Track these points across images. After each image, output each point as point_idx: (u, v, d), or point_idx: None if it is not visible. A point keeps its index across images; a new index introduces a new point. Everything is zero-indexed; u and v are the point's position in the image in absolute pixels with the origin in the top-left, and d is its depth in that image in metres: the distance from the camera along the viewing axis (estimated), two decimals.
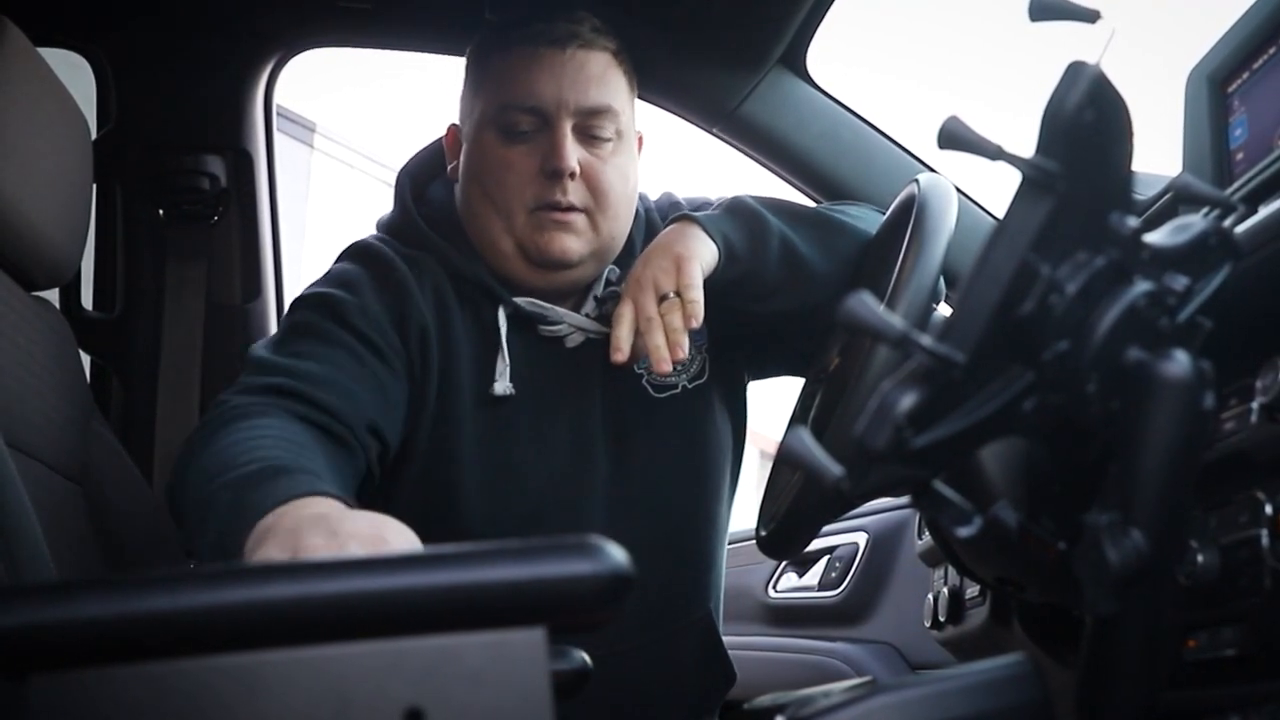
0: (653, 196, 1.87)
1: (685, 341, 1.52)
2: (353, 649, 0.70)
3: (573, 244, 1.62)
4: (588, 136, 1.64)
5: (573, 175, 1.61)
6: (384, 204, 1.79)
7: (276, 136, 2.25)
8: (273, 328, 2.23)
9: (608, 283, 1.71)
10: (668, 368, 1.52)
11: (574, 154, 1.61)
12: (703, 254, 1.57)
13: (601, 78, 1.65)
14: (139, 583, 0.70)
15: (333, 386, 1.49)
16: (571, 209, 1.62)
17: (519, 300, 1.65)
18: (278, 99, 2.24)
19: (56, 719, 0.68)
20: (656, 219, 1.79)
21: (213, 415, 1.43)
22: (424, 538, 1.55)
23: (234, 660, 0.69)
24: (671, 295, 1.53)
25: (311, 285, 1.66)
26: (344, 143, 11.83)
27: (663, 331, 1.52)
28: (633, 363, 1.58)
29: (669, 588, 1.73)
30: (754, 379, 1.91)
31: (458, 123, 1.75)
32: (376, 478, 1.57)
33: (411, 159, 1.82)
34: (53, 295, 1.82)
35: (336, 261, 1.70)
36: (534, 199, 1.62)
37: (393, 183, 1.81)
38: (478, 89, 1.69)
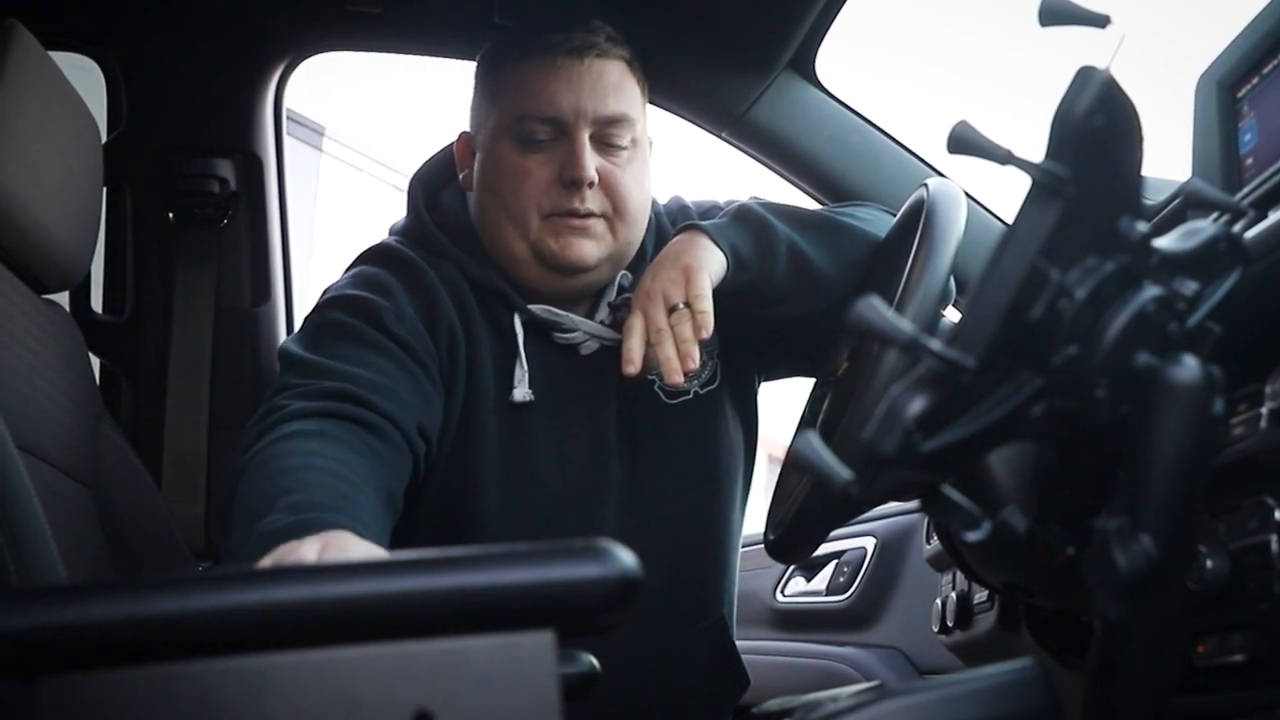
0: (661, 200, 1.87)
1: (696, 352, 1.52)
2: (362, 651, 0.70)
3: (590, 249, 1.63)
4: (605, 145, 1.64)
5: (591, 184, 1.61)
6: (393, 208, 1.79)
7: (286, 140, 2.25)
8: (282, 331, 2.23)
9: (620, 289, 1.71)
10: (679, 379, 1.53)
11: (592, 163, 1.61)
12: (710, 263, 1.57)
13: (618, 86, 1.65)
14: (148, 585, 0.70)
15: (382, 390, 1.49)
16: (590, 215, 1.62)
17: (534, 308, 1.66)
18: (286, 102, 2.25)
19: None
20: (666, 224, 1.79)
21: (270, 423, 1.42)
22: (443, 543, 1.55)
23: (243, 662, 0.69)
24: (681, 306, 1.53)
25: (339, 286, 1.65)
26: (353, 146, 11.85)
27: (673, 343, 1.52)
28: (645, 374, 1.58)
29: (682, 593, 1.73)
30: (764, 380, 1.91)
31: (469, 130, 1.74)
32: (420, 476, 1.57)
33: (423, 165, 1.82)
34: (62, 298, 1.82)
35: (359, 263, 1.70)
36: (550, 207, 1.62)
37: (401, 186, 1.80)
38: (492, 98, 1.69)
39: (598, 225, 1.63)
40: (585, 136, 1.62)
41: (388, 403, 1.49)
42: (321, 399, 1.45)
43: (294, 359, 1.54)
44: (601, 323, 1.69)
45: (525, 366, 1.64)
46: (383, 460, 1.45)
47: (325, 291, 1.66)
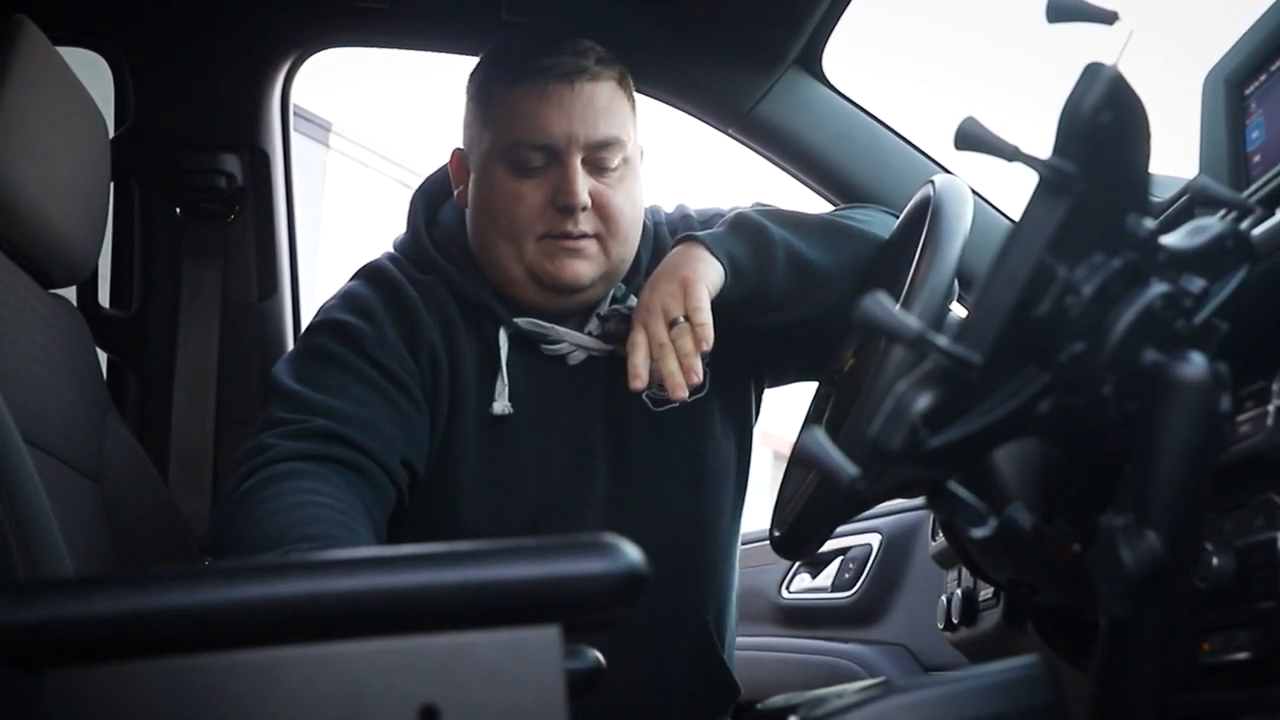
0: (667, 209, 1.87)
1: (699, 365, 1.54)
2: (368, 646, 0.70)
3: (584, 269, 1.65)
4: (596, 168, 1.66)
5: (584, 208, 1.63)
6: (399, 204, 1.81)
7: (293, 135, 2.25)
8: (289, 326, 2.23)
9: (613, 299, 1.72)
10: (684, 393, 1.53)
11: (584, 188, 1.63)
12: (708, 275, 1.58)
13: (609, 109, 1.66)
14: (155, 579, 0.71)
15: (366, 426, 1.57)
16: (583, 236, 1.64)
17: (520, 321, 1.68)
18: (294, 98, 2.25)
19: (72, 714, 0.69)
20: (665, 234, 1.80)
21: (260, 463, 1.51)
22: None
23: (249, 656, 0.70)
24: (681, 320, 1.54)
25: (328, 307, 1.70)
26: (360, 142, 11.85)
27: (675, 357, 1.53)
28: (650, 387, 1.59)
29: (662, 598, 1.73)
30: (770, 386, 1.91)
31: (462, 147, 1.76)
32: (406, 502, 1.63)
33: (426, 180, 1.85)
34: (70, 293, 1.82)
35: (349, 280, 1.75)
36: (544, 229, 1.64)
37: (408, 183, 1.83)
38: (485, 120, 1.70)
39: (590, 245, 1.65)
40: (577, 162, 1.63)
41: (371, 440, 1.56)
42: (308, 439, 1.54)
43: (283, 390, 1.61)
44: (589, 334, 1.70)
45: (506, 380, 1.67)
46: (366, 501, 1.53)
47: (319, 310, 1.72)
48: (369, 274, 1.73)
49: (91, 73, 1.92)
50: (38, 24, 1.57)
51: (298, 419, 1.56)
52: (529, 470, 1.68)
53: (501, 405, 1.66)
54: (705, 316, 1.54)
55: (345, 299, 1.70)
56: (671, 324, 1.54)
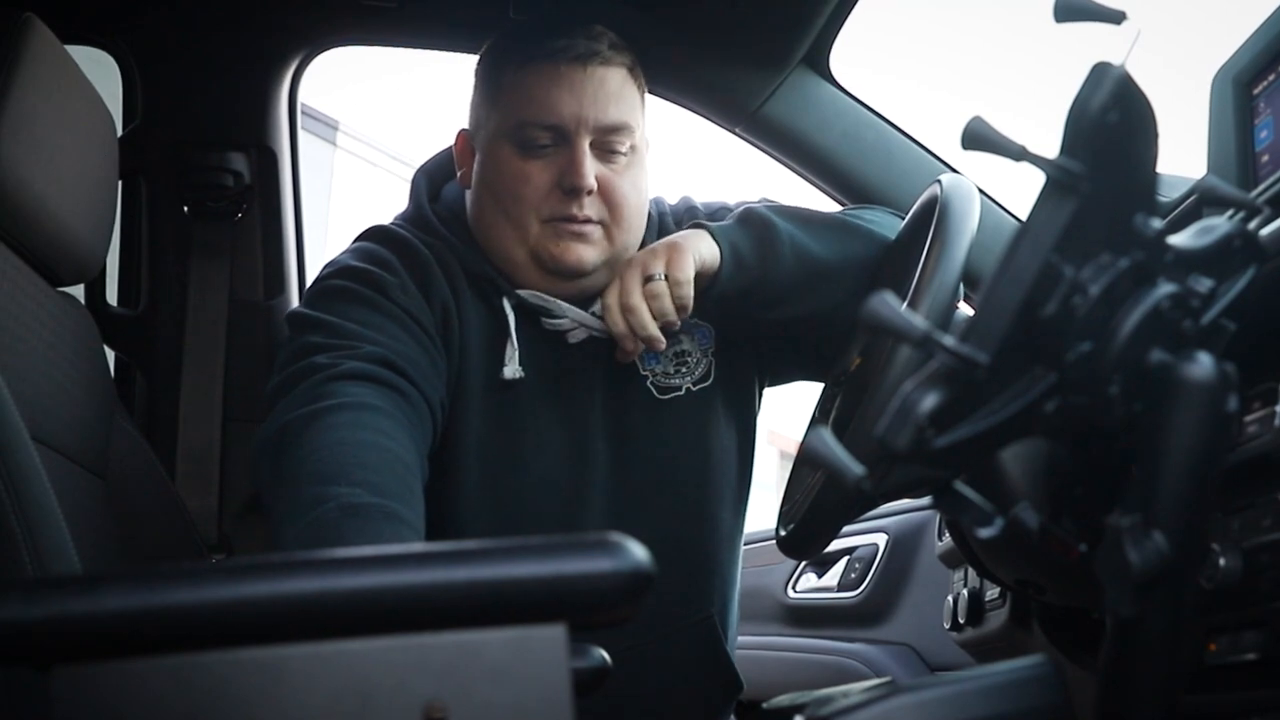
0: (670, 200, 1.87)
1: (673, 318, 1.57)
2: (374, 644, 0.70)
3: (587, 253, 1.64)
4: (604, 152, 1.65)
5: (590, 192, 1.63)
6: (406, 202, 1.81)
7: (300, 134, 2.26)
8: None
9: None
10: (661, 345, 1.58)
11: (592, 171, 1.63)
12: (700, 248, 1.59)
13: (619, 95, 1.66)
14: (162, 576, 0.71)
15: (411, 361, 1.55)
16: (588, 221, 1.64)
17: (522, 292, 1.67)
18: (302, 96, 2.25)
19: (79, 710, 0.69)
20: (670, 224, 1.80)
21: (320, 380, 1.48)
22: None
23: (255, 654, 0.70)
24: (659, 277, 1.56)
25: (340, 260, 1.68)
26: (367, 141, 11.87)
27: (643, 317, 1.56)
28: (656, 373, 1.59)
29: (664, 590, 1.73)
30: (772, 384, 1.90)
31: (468, 129, 1.75)
32: (434, 449, 1.60)
33: (430, 159, 1.85)
34: (78, 291, 1.83)
35: (357, 241, 1.72)
36: (549, 212, 1.64)
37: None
38: (494, 101, 1.69)
39: (595, 231, 1.64)
40: (586, 144, 1.63)
41: (418, 375, 1.54)
42: (366, 361, 1.50)
43: (314, 320, 1.58)
44: (592, 313, 1.69)
45: (515, 344, 1.65)
46: (418, 438, 1.50)
47: (326, 266, 1.69)
48: (376, 234, 1.71)
49: (100, 71, 1.93)
50: (46, 22, 1.57)
51: (347, 344, 1.53)
52: (529, 444, 1.67)
53: (512, 369, 1.65)
54: (686, 277, 1.55)
55: (358, 253, 1.67)
56: (648, 280, 1.56)
